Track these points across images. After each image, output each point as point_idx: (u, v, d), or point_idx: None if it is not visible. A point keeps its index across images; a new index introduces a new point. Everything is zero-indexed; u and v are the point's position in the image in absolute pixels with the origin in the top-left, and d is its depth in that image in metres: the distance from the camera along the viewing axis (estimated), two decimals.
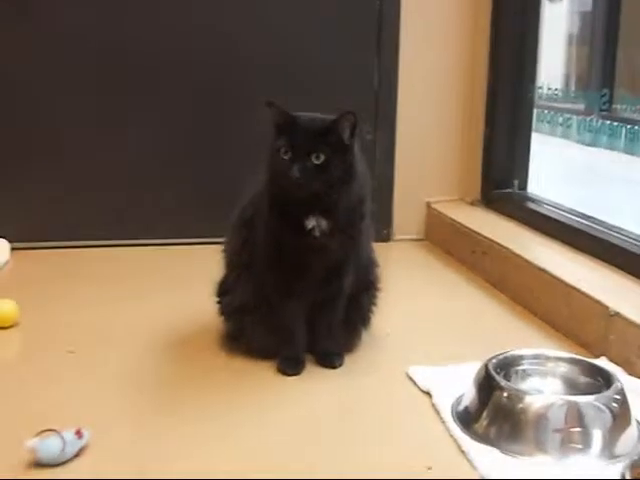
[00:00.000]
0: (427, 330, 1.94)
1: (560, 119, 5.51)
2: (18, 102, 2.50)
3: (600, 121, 5.00)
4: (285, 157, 1.51)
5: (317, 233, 1.56)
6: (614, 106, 2.91)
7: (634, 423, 1.38)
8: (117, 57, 2.53)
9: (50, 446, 1.26)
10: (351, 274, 1.67)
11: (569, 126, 5.42)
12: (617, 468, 1.22)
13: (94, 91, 2.54)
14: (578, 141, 5.24)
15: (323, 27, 2.61)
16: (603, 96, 2.78)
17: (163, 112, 2.58)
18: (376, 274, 1.77)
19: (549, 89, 2.57)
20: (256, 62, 2.58)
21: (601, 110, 2.90)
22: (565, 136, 5.44)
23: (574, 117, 5.32)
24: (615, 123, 4.74)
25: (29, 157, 2.53)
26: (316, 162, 1.50)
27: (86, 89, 2.53)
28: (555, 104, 3.72)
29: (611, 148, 4.87)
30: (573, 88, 3.26)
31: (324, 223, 1.56)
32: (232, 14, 2.56)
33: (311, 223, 1.56)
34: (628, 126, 4.62)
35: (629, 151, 4.69)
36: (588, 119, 5.18)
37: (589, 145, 5.11)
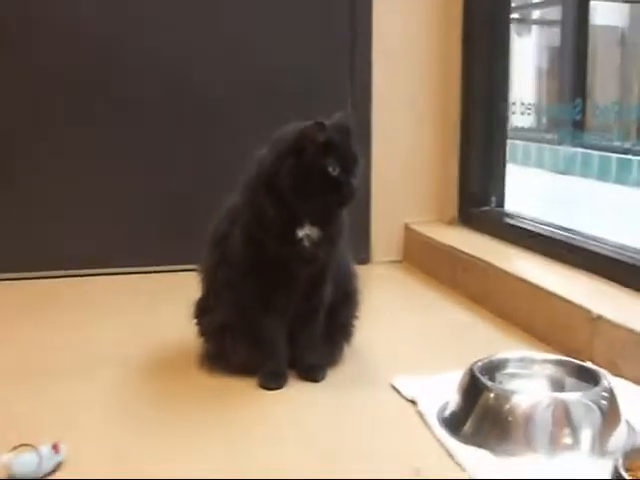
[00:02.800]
0: (410, 344, 1.92)
1: (533, 150, 5.59)
2: None
3: (572, 150, 5.07)
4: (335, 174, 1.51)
5: (306, 243, 1.55)
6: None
7: (624, 422, 1.36)
8: (97, 88, 2.53)
9: (26, 461, 1.21)
10: (330, 282, 1.65)
11: (542, 156, 5.50)
12: (609, 463, 1.20)
13: (65, 121, 2.53)
14: (551, 170, 5.32)
15: (295, 53, 2.62)
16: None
17: (140, 141, 2.58)
18: (355, 285, 1.74)
19: (522, 104, 2.59)
20: (233, 92, 2.60)
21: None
22: (539, 165, 5.51)
23: (547, 147, 5.41)
24: (587, 151, 4.81)
25: None
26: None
27: (57, 119, 2.53)
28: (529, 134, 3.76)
29: (584, 176, 4.95)
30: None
31: (316, 232, 1.55)
32: (209, 50, 2.58)
33: (302, 232, 1.54)
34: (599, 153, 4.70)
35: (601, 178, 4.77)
36: (560, 148, 5.26)
37: (562, 173, 5.18)
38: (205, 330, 1.72)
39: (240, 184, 1.62)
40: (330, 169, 1.50)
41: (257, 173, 1.56)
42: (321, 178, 1.50)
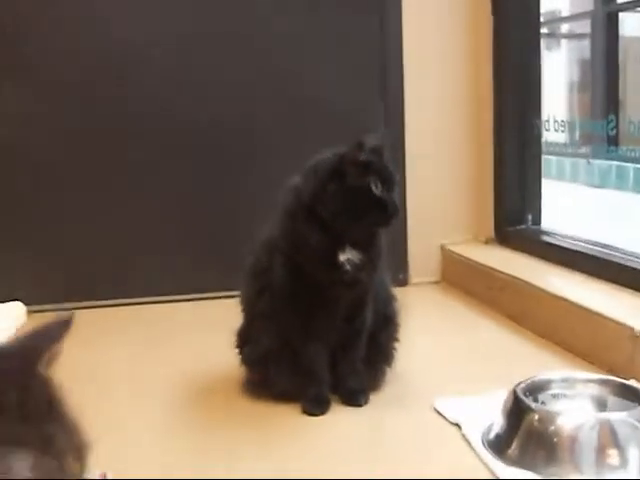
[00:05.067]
0: (451, 365, 1.92)
1: (567, 164, 5.54)
2: (34, 163, 2.53)
3: (606, 163, 5.02)
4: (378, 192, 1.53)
5: (348, 267, 1.56)
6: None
7: None
8: (118, 118, 2.57)
9: None
10: (371, 306, 1.66)
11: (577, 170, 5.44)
12: None
13: (94, 150, 2.57)
14: (586, 183, 5.27)
15: (327, 81, 2.63)
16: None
17: (167, 169, 2.62)
18: (394, 308, 1.75)
19: (555, 121, 2.58)
20: (262, 116, 2.62)
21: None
22: (573, 179, 5.46)
23: (581, 161, 5.35)
24: (622, 164, 4.76)
25: (40, 220, 2.55)
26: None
27: (86, 148, 2.57)
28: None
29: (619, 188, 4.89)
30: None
31: (357, 256, 1.56)
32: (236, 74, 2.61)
33: (344, 256, 1.56)
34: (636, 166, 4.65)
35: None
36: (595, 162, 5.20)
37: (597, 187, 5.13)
38: (247, 359, 1.73)
39: (275, 214, 1.64)
40: (373, 187, 1.51)
41: (296, 201, 1.58)
42: (365, 198, 1.52)
